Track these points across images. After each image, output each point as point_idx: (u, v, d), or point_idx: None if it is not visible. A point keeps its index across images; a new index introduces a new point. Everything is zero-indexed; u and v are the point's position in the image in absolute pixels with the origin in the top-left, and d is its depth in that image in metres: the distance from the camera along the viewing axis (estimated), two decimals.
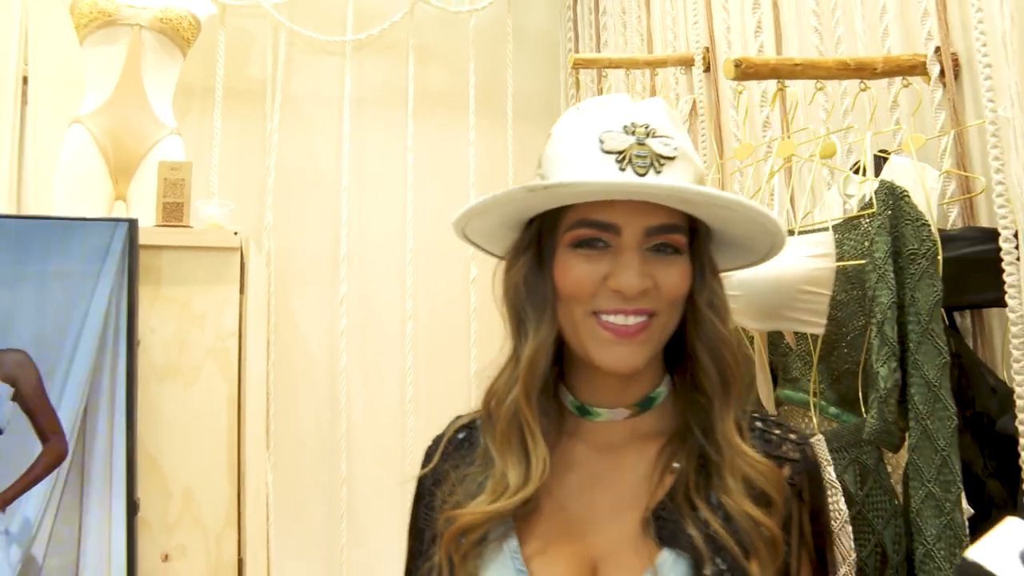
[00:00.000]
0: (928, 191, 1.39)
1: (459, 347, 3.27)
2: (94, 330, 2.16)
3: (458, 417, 1.11)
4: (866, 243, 1.35)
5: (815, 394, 1.39)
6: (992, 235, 1.42)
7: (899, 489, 1.33)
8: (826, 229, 1.37)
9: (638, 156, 0.93)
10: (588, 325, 0.95)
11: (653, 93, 2.62)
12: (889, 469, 1.35)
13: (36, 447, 2.18)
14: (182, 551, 2.34)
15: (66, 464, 2.19)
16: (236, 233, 2.44)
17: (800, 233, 1.41)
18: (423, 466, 1.10)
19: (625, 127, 0.94)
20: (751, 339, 1.48)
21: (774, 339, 1.51)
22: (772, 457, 0.97)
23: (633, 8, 2.90)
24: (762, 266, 1.34)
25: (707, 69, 2.40)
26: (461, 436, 1.10)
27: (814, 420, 1.37)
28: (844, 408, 1.40)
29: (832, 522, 1.28)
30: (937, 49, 1.63)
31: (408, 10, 3.37)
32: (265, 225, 3.15)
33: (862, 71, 1.60)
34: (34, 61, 3.11)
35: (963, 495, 1.32)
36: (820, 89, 1.67)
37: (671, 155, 0.93)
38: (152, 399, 2.32)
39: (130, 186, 2.65)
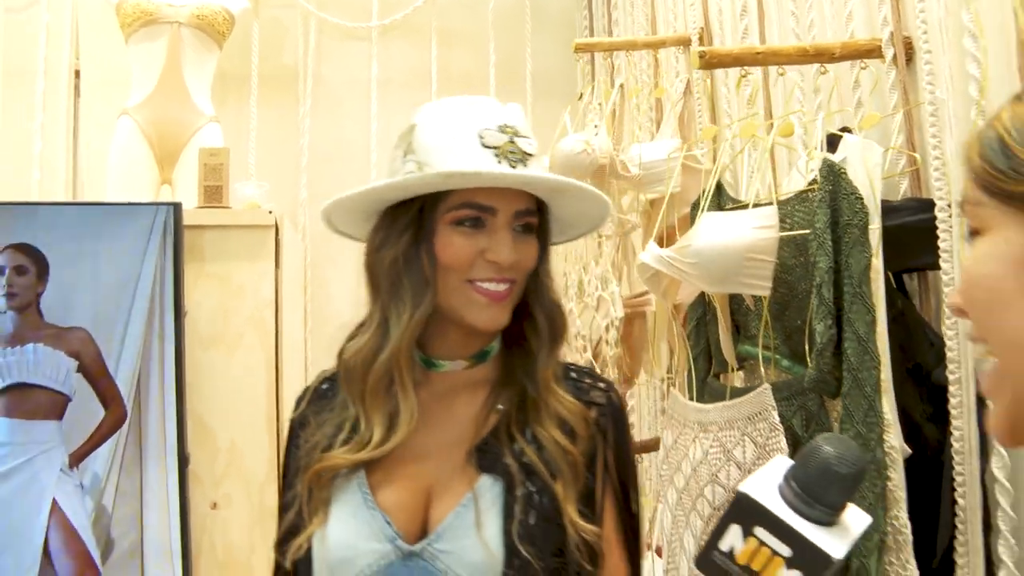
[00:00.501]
0: (871, 167, 1.55)
1: None
2: (143, 304, 2.41)
3: (324, 371, 1.29)
4: (811, 215, 1.52)
5: (768, 348, 1.58)
6: (930, 205, 1.58)
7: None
8: (769, 204, 1.55)
9: (511, 152, 1.13)
10: (464, 291, 1.14)
11: (656, 72, 2.78)
12: (835, 415, 1.53)
13: (99, 411, 2.45)
14: (228, 500, 2.60)
15: (125, 426, 2.46)
16: (270, 212, 2.67)
17: (755, 206, 1.59)
18: (294, 411, 1.28)
19: (499, 127, 1.13)
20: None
21: (738, 300, 1.69)
22: (582, 401, 1.17)
23: None
24: (714, 238, 1.53)
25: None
26: (325, 387, 1.27)
27: (761, 371, 1.56)
28: (795, 361, 1.57)
29: (762, 460, 1.47)
30: (892, 34, 1.78)
31: None
32: (300, 202, 3.38)
33: (821, 56, 1.75)
34: (85, 56, 3.36)
35: (898, 435, 1.50)
36: (781, 75, 1.83)
37: (532, 152, 1.14)
38: (199, 365, 2.56)
39: (174, 171, 2.90)
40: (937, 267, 1.57)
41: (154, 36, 2.88)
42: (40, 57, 3.31)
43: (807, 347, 1.53)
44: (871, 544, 1.42)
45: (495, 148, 1.13)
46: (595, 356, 2.31)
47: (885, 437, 1.42)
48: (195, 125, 2.90)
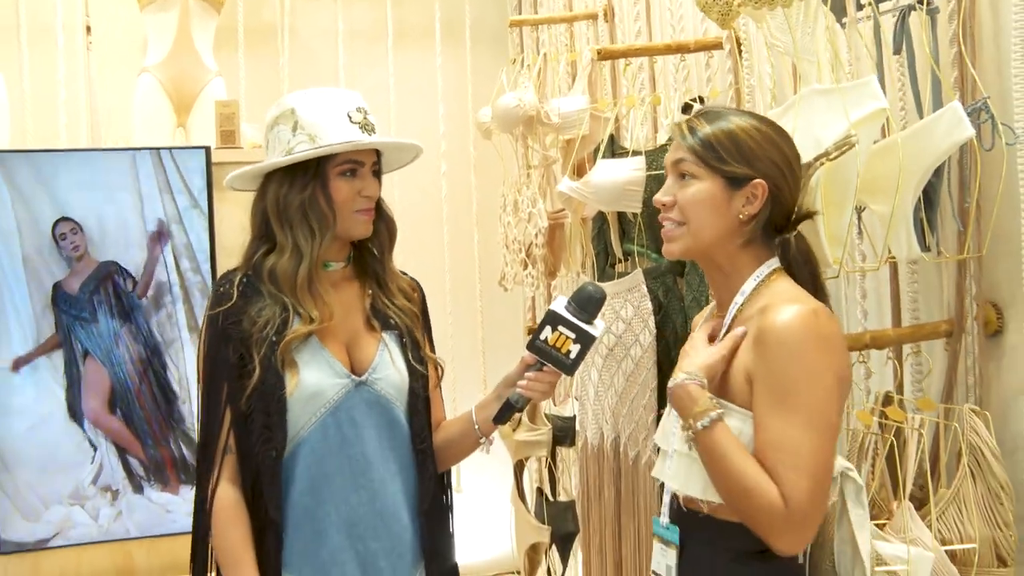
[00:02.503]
0: None
1: (434, 227, 4.31)
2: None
3: (231, 271, 1.83)
4: None
5: (642, 246, 2.44)
6: None
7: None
8: (641, 153, 2.39)
9: (367, 125, 1.72)
10: (350, 216, 1.73)
11: (571, 39, 3.57)
12: (682, 287, 2.41)
13: None
14: None
15: None
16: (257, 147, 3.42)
17: (633, 154, 2.43)
18: (220, 303, 1.73)
19: (358, 108, 1.72)
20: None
21: (624, 215, 2.54)
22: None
23: None
24: (605, 176, 2.37)
25: (607, 21, 3.35)
26: (244, 281, 1.76)
27: (636, 261, 2.43)
28: (659, 255, 2.44)
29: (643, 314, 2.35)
30: (728, 34, 2.60)
31: None
32: None
33: (681, 49, 2.58)
34: (94, 15, 3.98)
35: None
36: (653, 63, 2.66)
37: (375, 123, 1.76)
38: (224, 269, 3.32)
39: (189, 118, 3.61)
40: None
41: (167, 7, 3.55)
42: (58, 15, 3.91)
43: None
44: None
45: (359, 123, 1.71)
46: (527, 255, 3.15)
47: (711, 298, 2.30)
48: (204, 79, 3.60)
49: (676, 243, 1.59)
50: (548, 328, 1.65)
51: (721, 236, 1.53)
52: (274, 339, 1.69)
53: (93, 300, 3.05)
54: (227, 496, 1.71)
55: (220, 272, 3.30)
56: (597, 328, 1.65)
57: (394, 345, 1.81)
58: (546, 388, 1.71)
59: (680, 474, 1.51)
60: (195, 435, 3.05)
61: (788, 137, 1.55)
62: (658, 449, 1.64)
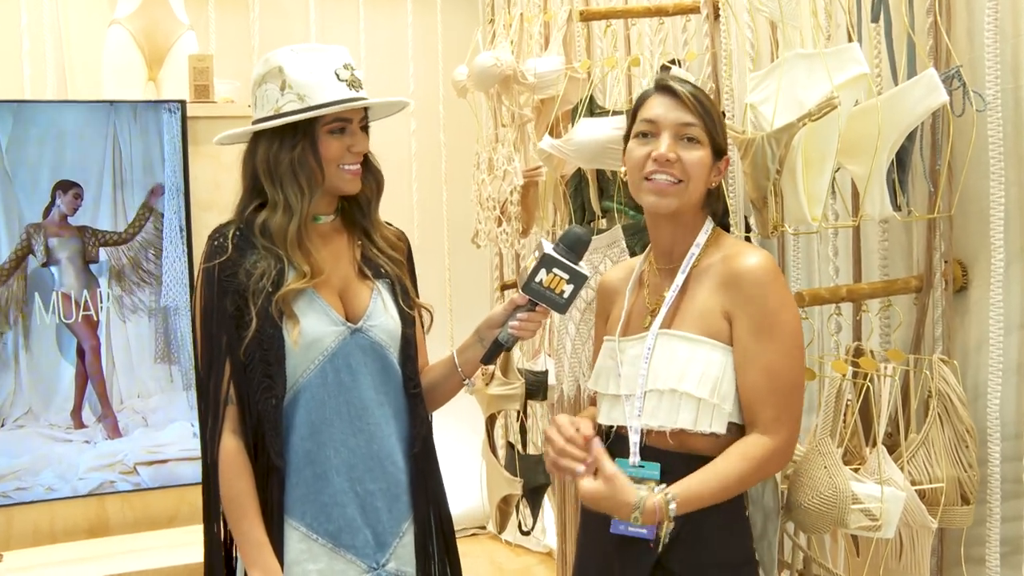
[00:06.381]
0: None
1: (404, 185, 4.35)
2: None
3: (223, 224, 1.80)
4: None
5: (620, 203, 2.51)
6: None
7: None
8: (622, 113, 2.45)
9: (354, 82, 1.75)
10: (339, 172, 1.77)
11: (544, 1, 3.60)
12: None
13: None
14: None
15: None
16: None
17: (613, 114, 2.49)
18: (217, 256, 1.74)
19: (345, 65, 1.75)
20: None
21: (602, 172, 2.61)
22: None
23: None
24: (587, 134, 2.43)
25: None
26: (238, 235, 1.77)
27: (614, 218, 2.50)
28: (637, 212, 2.52)
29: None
30: None
31: None
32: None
33: (660, 12, 2.63)
34: None
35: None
36: (633, 25, 2.71)
37: (361, 78, 1.78)
38: (197, 223, 3.33)
39: (160, 72, 3.58)
40: None
41: None
42: None
43: None
44: None
45: (346, 81, 1.73)
46: (502, 212, 3.20)
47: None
48: (176, 33, 3.58)
49: (674, 198, 1.68)
50: (543, 270, 1.71)
51: (700, 198, 1.72)
52: (270, 290, 1.73)
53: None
54: (230, 446, 1.74)
55: (194, 227, 3.36)
56: (585, 269, 1.73)
57: (386, 293, 1.86)
58: (536, 328, 1.78)
59: (661, 412, 1.62)
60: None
61: None
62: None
